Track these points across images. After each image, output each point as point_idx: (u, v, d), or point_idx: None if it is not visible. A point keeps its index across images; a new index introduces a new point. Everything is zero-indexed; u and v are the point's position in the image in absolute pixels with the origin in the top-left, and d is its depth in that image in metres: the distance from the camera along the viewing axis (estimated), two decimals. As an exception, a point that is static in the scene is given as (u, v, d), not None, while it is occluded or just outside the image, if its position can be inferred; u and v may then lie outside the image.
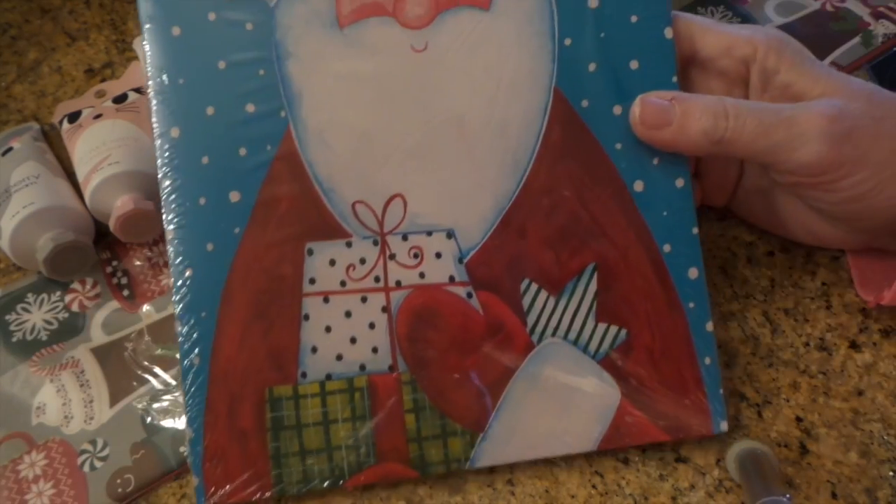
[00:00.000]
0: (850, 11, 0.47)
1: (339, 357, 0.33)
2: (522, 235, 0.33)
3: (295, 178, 0.33)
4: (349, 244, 0.33)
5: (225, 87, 0.33)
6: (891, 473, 0.33)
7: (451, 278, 0.33)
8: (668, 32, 0.33)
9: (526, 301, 0.33)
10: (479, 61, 0.33)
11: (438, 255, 0.33)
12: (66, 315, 0.41)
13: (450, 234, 0.33)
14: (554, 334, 0.33)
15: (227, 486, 0.32)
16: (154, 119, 0.33)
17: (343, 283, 0.33)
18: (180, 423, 0.36)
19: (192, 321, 0.33)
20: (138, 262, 0.42)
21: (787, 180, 0.33)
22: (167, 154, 0.33)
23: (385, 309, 0.33)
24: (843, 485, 0.33)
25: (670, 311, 0.33)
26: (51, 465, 0.36)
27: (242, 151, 0.33)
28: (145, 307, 0.41)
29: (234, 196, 0.33)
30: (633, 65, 0.33)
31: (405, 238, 0.33)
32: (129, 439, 0.36)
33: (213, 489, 0.32)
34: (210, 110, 0.33)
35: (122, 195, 0.40)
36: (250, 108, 0.33)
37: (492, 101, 0.33)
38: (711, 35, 0.33)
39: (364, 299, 0.33)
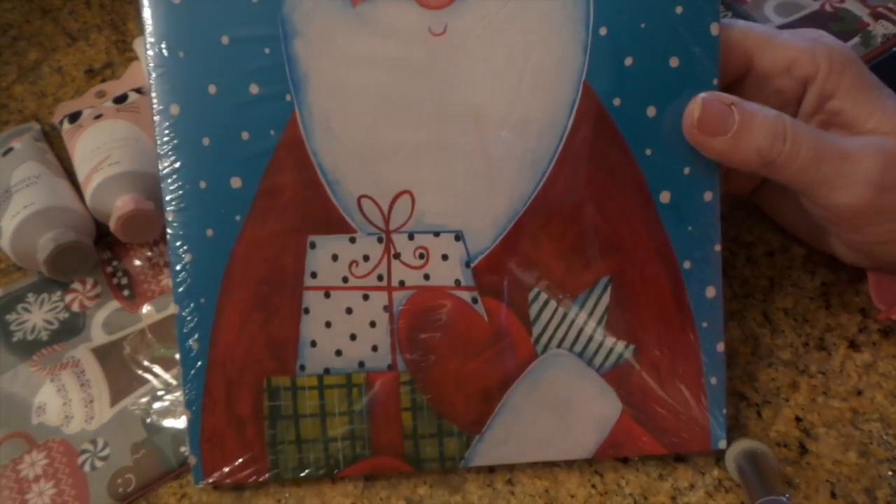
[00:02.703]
0: (849, 12, 0.46)
1: (339, 353, 0.32)
2: (535, 243, 0.31)
3: (299, 168, 0.31)
4: (353, 240, 0.32)
5: (228, 65, 0.31)
6: (890, 473, 0.33)
7: (457, 282, 0.32)
8: (715, 28, 0.30)
9: (533, 310, 0.32)
10: (501, 49, 0.30)
11: (445, 258, 0.32)
12: (67, 315, 0.41)
13: (458, 237, 0.32)
14: (560, 345, 0.32)
15: (225, 468, 0.33)
16: (153, 94, 0.31)
17: (345, 279, 0.32)
18: (181, 422, 0.36)
19: (192, 306, 0.32)
20: (138, 262, 0.42)
21: (818, 213, 0.31)
22: (167, 132, 0.31)
23: (387, 308, 0.32)
24: (842, 484, 0.33)
25: (682, 330, 0.32)
26: (51, 464, 0.36)
27: (245, 135, 0.31)
28: (146, 307, 0.40)
29: (236, 182, 0.31)
30: (674, 62, 0.30)
31: (411, 237, 0.32)
32: (130, 439, 0.36)
33: (210, 469, 0.33)
34: (212, 89, 0.31)
35: (122, 195, 0.40)
36: (254, 89, 0.31)
37: (513, 95, 0.31)
38: (771, 50, 0.30)
39: (366, 297, 0.32)
